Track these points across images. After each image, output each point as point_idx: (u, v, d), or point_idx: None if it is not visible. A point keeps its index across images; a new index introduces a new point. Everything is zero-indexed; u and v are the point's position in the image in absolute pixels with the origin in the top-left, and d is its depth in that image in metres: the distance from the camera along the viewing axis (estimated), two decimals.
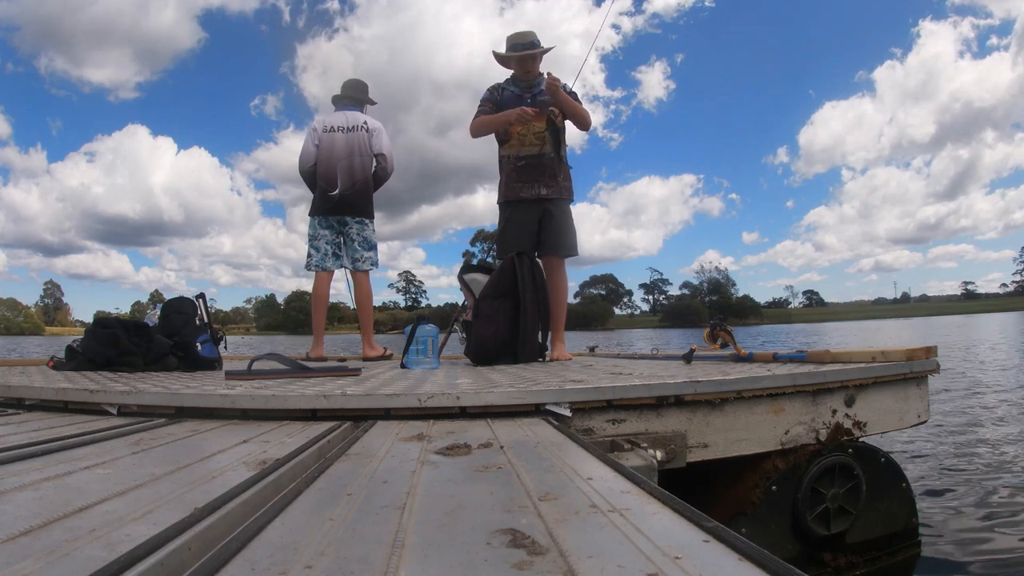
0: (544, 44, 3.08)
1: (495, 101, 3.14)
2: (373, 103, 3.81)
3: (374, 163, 3.65)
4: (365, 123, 3.59)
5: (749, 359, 2.19)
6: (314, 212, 3.61)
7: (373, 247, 3.68)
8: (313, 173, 3.60)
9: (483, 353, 2.83)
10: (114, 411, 1.27)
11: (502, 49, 3.10)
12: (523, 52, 3.07)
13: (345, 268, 3.69)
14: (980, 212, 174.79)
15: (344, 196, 3.52)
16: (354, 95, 3.72)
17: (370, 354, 3.61)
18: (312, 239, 3.63)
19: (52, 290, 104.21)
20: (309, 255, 3.64)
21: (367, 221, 3.65)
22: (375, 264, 3.68)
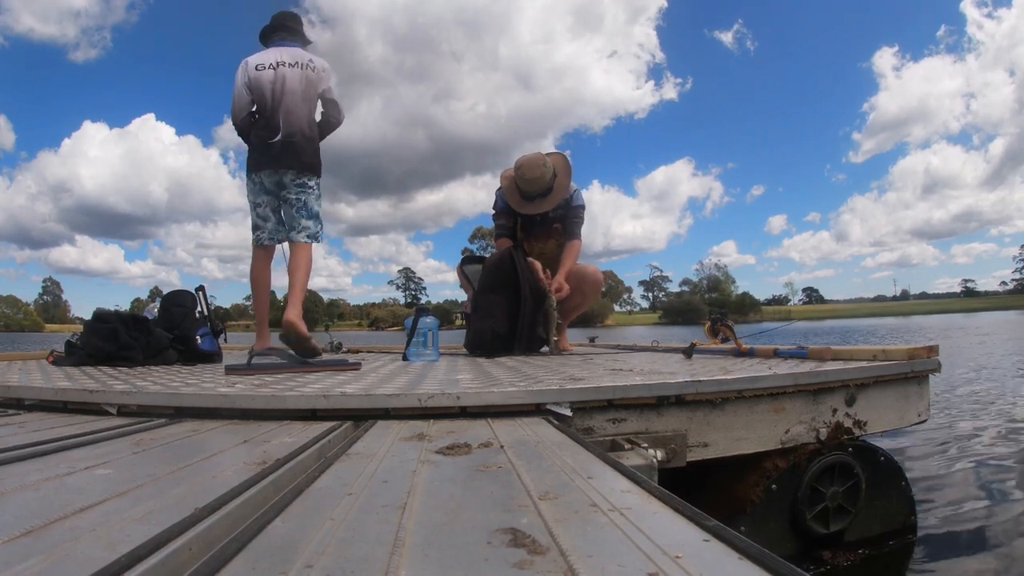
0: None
1: (511, 217, 3.28)
2: (310, 42, 3.17)
3: (319, 108, 3.08)
4: (311, 60, 3.01)
5: (750, 354, 2.19)
6: (253, 168, 2.97)
7: (315, 215, 3.04)
8: (250, 123, 3.02)
9: (481, 347, 2.86)
10: (114, 411, 1.27)
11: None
12: (535, 208, 3.14)
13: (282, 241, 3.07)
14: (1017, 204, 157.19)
15: (288, 144, 2.90)
16: (293, 26, 3.10)
17: (298, 328, 2.58)
18: (256, 205, 3.04)
19: (51, 287, 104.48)
20: (257, 225, 3.05)
21: (310, 183, 3.01)
22: (315, 237, 3.03)
